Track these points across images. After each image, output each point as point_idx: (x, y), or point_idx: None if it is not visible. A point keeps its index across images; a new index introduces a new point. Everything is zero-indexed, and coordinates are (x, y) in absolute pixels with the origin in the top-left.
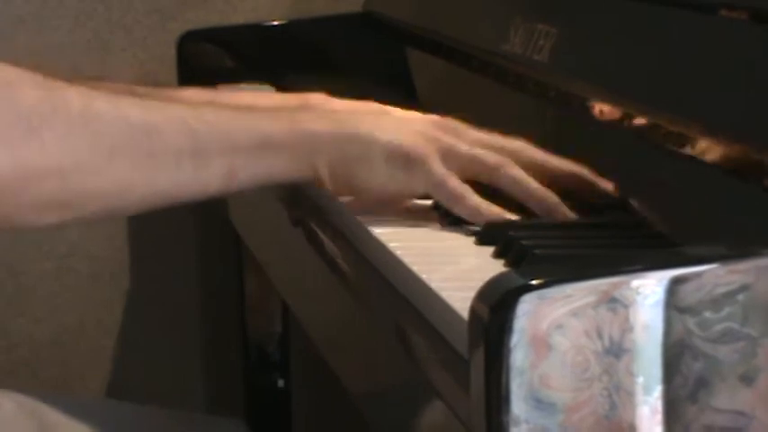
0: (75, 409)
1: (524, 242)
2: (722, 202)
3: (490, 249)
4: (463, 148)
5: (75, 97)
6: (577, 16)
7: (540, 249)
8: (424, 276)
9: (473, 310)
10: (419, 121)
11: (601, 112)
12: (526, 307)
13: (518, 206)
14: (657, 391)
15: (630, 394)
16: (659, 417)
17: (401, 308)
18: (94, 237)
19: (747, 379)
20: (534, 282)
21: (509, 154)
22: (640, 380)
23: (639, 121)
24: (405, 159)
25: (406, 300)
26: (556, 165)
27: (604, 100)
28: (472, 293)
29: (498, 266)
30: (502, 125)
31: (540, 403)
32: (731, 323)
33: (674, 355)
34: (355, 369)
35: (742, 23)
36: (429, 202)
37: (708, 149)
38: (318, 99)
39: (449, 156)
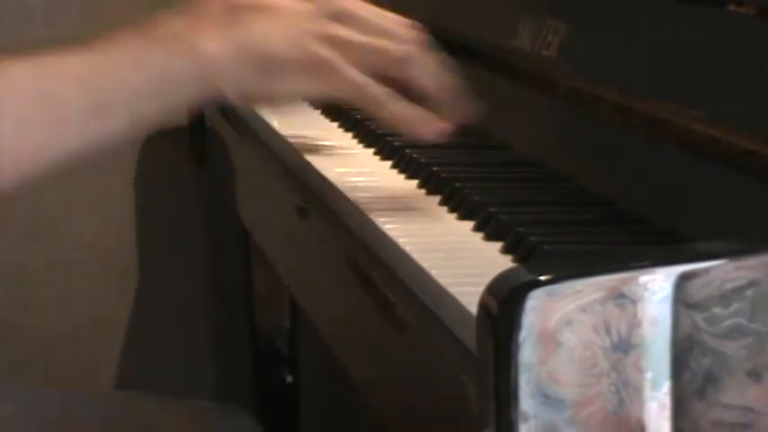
0: (84, 401)
1: (533, 238)
2: (731, 198)
3: (498, 245)
4: (363, 40)
5: None
6: (586, 12)
7: (548, 245)
8: (432, 272)
9: (481, 306)
10: (302, 16)
11: (609, 106)
12: (534, 303)
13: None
14: (665, 386)
15: (638, 390)
16: (667, 412)
17: (409, 303)
18: (104, 233)
19: (755, 375)
20: (543, 277)
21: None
22: (648, 375)
23: (648, 116)
24: (315, 68)
25: (414, 295)
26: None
27: (613, 95)
28: (481, 289)
29: (507, 262)
30: (510, 121)
31: (548, 399)
32: (739, 319)
33: (682, 351)
34: (364, 363)
35: (751, 18)
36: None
37: (716, 145)
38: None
39: (352, 53)
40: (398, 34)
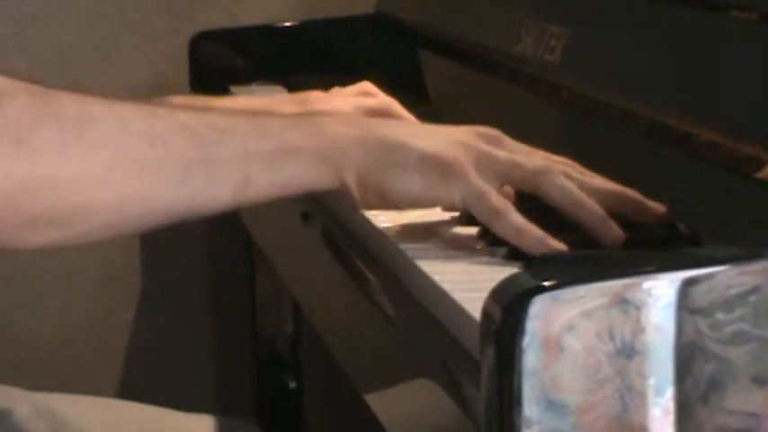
0: (88, 409)
1: None
2: (734, 204)
3: (502, 250)
4: (502, 154)
5: (68, 102)
6: (589, 17)
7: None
8: (436, 277)
9: (485, 312)
10: (456, 130)
11: (612, 111)
12: (538, 308)
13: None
14: (669, 392)
15: (642, 396)
16: (671, 418)
17: (413, 309)
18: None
19: (759, 380)
20: (546, 283)
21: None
22: (652, 381)
23: (651, 121)
24: (441, 168)
25: (417, 300)
26: (600, 184)
27: (616, 100)
28: (484, 295)
29: (510, 267)
30: (513, 126)
31: (551, 405)
32: (743, 324)
33: (686, 357)
34: (367, 369)
35: (753, 24)
36: (474, 230)
37: (719, 150)
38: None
39: (486, 163)
40: (540, 156)
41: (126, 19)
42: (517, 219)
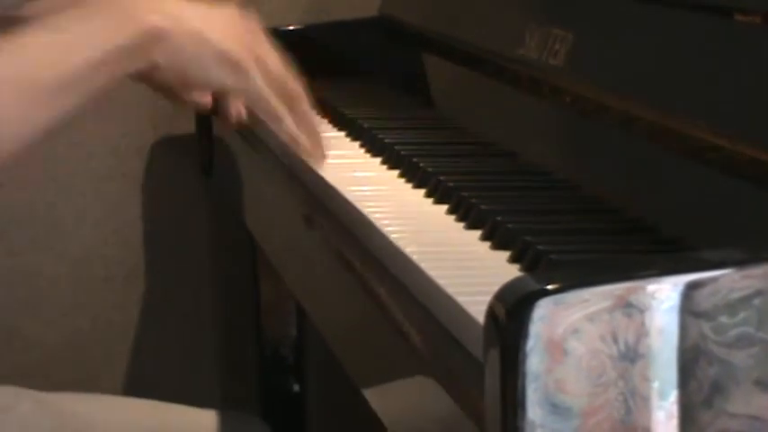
0: (92, 406)
1: (540, 246)
2: (737, 207)
3: (506, 254)
4: (273, 68)
5: None
6: (592, 20)
7: (555, 254)
8: (440, 281)
9: (489, 315)
10: (231, 20)
11: (615, 115)
12: (542, 312)
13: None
14: (673, 395)
15: (646, 399)
16: (674, 421)
17: (416, 312)
18: (109, 239)
19: (762, 384)
20: (550, 286)
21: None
22: (656, 385)
23: (654, 124)
24: (233, 66)
25: (421, 304)
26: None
27: (619, 104)
28: (488, 298)
29: (514, 271)
30: (517, 130)
31: (555, 408)
32: (746, 328)
33: (690, 360)
34: (370, 372)
35: (756, 28)
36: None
37: (722, 153)
38: None
39: (264, 69)
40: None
41: None
42: (291, 126)
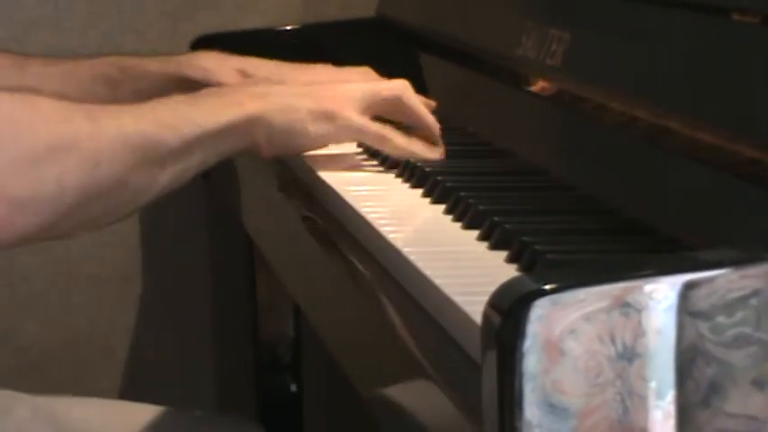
0: (88, 410)
1: (537, 247)
2: (735, 207)
3: (503, 254)
4: (368, 90)
5: (84, 126)
6: (590, 21)
7: (552, 254)
8: (437, 281)
9: (486, 315)
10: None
11: (613, 115)
12: (539, 312)
13: None
14: (670, 395)
15: (643, 399)
16: (672, 421)
17: (414, 312)
18: (106, 240)
19: (760, 384)
20: (547, 287)
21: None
22: (653, 385)
23: (652, 124)
24: (326, 115)
25: (418, 304)
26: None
27: (617, 104)
28: (485, 298)
29: (511, 271)
30: (515, 130)
31: (552, 408)
32: (744, 328)
33: (687, 360)
34: (368, 373)
35: (754, 27)
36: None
37: (720, 153)
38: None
39: (356, 104)
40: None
41: (126, 23)
42: (399, 138)
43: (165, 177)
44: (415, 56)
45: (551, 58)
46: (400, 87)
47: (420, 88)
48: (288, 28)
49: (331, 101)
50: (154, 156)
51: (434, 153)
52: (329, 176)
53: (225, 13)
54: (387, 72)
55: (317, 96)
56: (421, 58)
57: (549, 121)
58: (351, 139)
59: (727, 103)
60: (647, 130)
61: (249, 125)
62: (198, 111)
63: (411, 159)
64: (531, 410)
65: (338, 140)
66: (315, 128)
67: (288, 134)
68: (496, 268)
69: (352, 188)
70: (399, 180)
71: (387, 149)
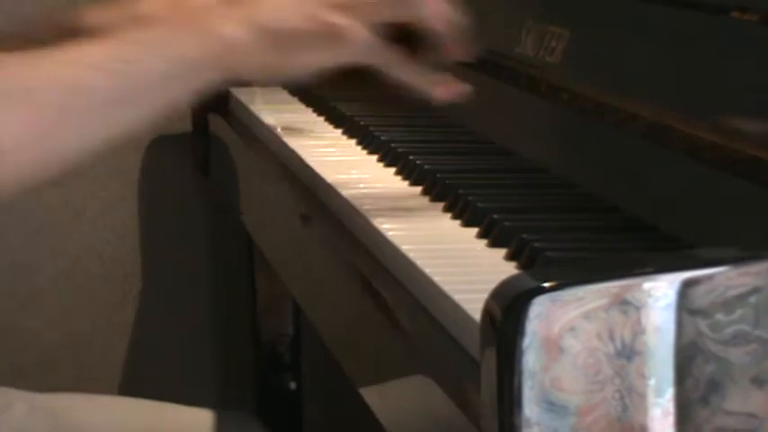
0: (87, 407)
1: (537, 244)
2: (734, 205)
3: (502, 251)
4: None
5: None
6: (589, 18)
7: (552, 251)
8: (436, 279)
9: (485, 313)
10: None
11: (612, 112)
12: (538, 309)
13: None
14: (669, 393)
15: (642, 396)
16: (671, 419)
17: (413, 310)
18: (106, 238)
19: (759, 381)
20: (546, 284)
21: None
22: (652, 382)
23: (651, 122)
24: (327, 38)
25: (417, 302)
26: None
27: (616, 102)
28: (484, 295)
29: (510, 268)
30: (514, 127)
31: (552, 405)
32: (743, 325)
33: (686, 358)
34: (367, 370)
35: (753, 25)
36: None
37: (719, 151)
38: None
39: (357, 11)
40: None
41: None
42: (416, 67)
43: (97, 130)
44: None
45: (550, 56)
46: None
47: None
48: None
49: (335, 10)
50: (80, 103)
51: (448, 87)
52: (328, 174)
53: None
54: None
55: (316, 3)
56: None
57: (548, 119)
58: (359, 62)
59: (726, 100)
60: (646, 128)
61: (226, 52)
62: (152, 45)
63: (412, 156)
64: (531, 408)
65: (344, 62)
66: (318, 49)
67: (282, 56)
68: (496, 266)
69: (352, 185)
70: (398, 177)
71: (397, 75)
